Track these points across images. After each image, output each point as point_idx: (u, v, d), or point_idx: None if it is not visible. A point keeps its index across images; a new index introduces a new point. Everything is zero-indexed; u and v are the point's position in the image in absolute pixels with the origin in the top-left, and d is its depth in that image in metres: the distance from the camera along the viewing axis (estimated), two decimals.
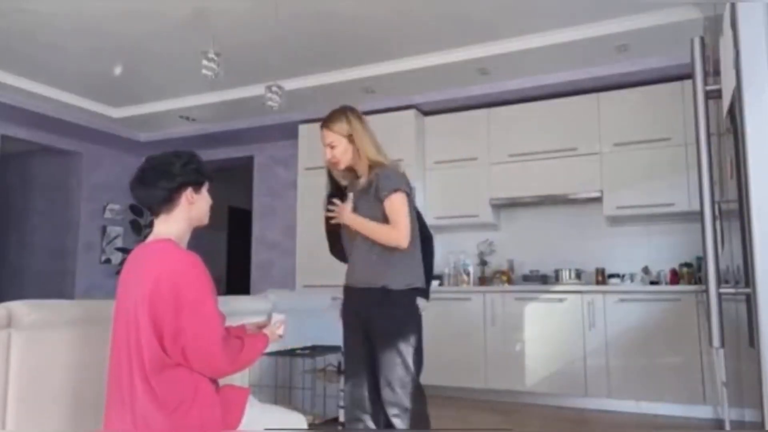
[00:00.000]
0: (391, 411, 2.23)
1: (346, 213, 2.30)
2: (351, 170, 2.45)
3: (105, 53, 4.59)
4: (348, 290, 2.40)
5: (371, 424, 2.30)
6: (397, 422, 2.22)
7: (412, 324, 2.30)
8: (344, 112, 2.41)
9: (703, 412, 3.99)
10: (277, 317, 2.02)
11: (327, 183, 2.55)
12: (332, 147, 2.37)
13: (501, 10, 3.88)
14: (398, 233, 2.24)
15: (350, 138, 2.36)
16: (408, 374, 2.24)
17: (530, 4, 3.81)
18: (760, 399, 1.20)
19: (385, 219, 2.28)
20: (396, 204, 2.27)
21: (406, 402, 2.23)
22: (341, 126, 2.37)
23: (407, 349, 2.25)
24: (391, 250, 2.27)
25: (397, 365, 2.23)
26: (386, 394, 2.24)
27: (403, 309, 2.29)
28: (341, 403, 2.63)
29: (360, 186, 2.38)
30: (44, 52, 4.57)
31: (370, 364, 2.31)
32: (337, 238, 2.50)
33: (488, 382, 4.56)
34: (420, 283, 2.34)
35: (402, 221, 2.25)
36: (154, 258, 1.71)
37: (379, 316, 2.27)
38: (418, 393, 2.29)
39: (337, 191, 2.50)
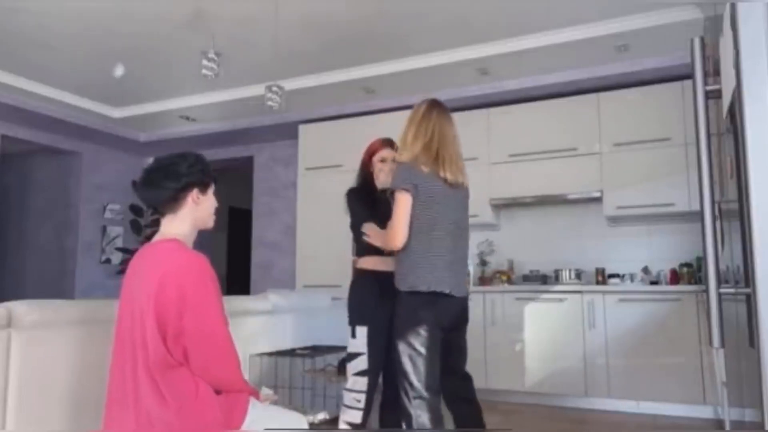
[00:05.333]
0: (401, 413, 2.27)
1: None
2: None
3: (105, 53, 4.59)
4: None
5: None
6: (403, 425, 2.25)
7: (409, 328, 2.26)
8: (422, 102, 2.49)
9: (703, 412, 3.99)
10: (266, 391, 2.00)
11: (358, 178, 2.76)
12: None
13: (501, 10, 3.88)
14: (387, 235, 2.33)
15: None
16: (404, 379, 2.25)
17: (530, 4, 3.81)
18: (760, 399, 1.20)
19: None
20: (394, 204, 2.30)
21: (406, 406, 2.24)
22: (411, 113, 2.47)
23: (405, 352, 2.25)
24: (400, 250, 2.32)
25: (398, 367, 2.27)
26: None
27: (404, 310, 2.29)
28: (354, 404, 2.58)
29: None
30: (44, 52, 4.56)
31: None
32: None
33: (488, 382, 4.56)
34: (424, 287, 2.27)
35: (392, 222, 2.29)
36: (161, 257, 1.72)
37: (395, 313, 2.33)
38: (418, 401, 2.25)
39: (363, 191, 2.69)
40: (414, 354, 2.23)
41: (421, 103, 2.47)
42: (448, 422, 2.46)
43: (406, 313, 2.28)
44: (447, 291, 2.28)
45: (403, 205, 2.26)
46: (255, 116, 5.92)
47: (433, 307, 2.26)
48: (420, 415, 2.23)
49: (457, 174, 2.35)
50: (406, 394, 2.25)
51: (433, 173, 2.29)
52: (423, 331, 2.23)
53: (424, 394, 2.22)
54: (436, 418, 2.26)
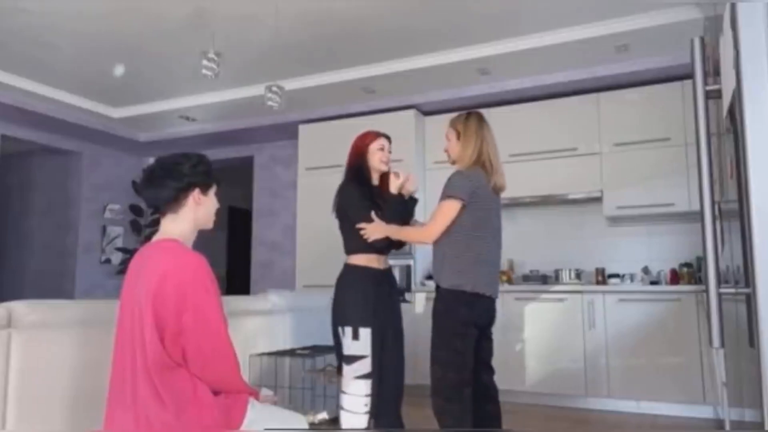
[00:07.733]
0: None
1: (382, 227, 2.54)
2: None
3: (105, 53, 4.59)
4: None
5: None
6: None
7: (448, 323, 2.38)
8: (469, 115, 2.62)
9: (703, 412, 3.99)
10: (266, 392, 1.99)
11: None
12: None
13: (501, 10, 3.88)
14: (423, 231, 2.53)
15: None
16: (439, 370, 2.37)
17: (530, 4, 3.81)
18: (760, 399, 1.20)
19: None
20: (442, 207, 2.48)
21: (438, 395, 2.36)
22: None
23: (442, 345, 2.38)
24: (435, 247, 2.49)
25: (432, 359, 2.38)
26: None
27: (444, 306, 2.40)
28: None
29: None
30: (44, 52, 4.56)
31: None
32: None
33: None
34: (468, 287, 2.37)
35: (434, 221, 2.46)
36: (161, 256, 1.72)
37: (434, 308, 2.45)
38: (450, 391, 2.37)
39: (362, 184, 2.69)
40: (450, 347, 2.34)
41: (469, 117, 2.59)
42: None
43: (447, 309, 2.38)
44: (488, 294, 2.41)
45: (451, 211, 2.40)
46: (255, 116, 5.92)
47: (472, 306, 2.37)
48: (451, 405, 2.33)
49: (500, 179, 2.52)
50: (439, 384, 2.35)
51: (485, 181, 2.45)
52: (461, 327, 2.36)
53: (456, 385, 2.33)
54: (466, 409, 2.34)
